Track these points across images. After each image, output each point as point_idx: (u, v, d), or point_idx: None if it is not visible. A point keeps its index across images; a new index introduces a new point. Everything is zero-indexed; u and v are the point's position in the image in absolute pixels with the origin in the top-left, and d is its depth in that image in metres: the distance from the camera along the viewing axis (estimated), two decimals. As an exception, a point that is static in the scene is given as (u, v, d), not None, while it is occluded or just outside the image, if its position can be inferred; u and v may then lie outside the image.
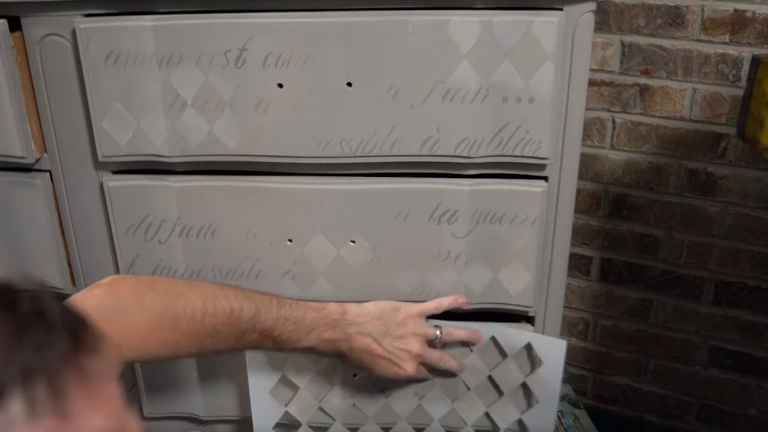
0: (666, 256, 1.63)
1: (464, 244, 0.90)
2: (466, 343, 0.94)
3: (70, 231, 0.96)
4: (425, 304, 0.91)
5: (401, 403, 0.99)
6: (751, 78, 0.86)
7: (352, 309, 0.87)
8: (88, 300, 0.72)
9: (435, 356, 0.91)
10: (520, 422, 0.98)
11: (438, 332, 0.90)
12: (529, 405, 0.97)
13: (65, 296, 0.78)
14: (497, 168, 0.88)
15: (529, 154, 0.85)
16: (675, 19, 1.46)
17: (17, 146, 0.88)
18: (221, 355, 0.84)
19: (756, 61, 0.85)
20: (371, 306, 0.89)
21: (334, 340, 0.85)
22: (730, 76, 1.45)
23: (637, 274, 1.67)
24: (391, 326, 0.88)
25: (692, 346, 1.66)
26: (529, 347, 0.93)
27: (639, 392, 1.76)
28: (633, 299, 1.69)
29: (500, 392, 0.97)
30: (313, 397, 0.99)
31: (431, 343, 0.91)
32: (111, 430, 0.38)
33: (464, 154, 0.85)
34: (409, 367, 0.88)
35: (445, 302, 0.91)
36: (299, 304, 0.84)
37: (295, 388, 0.98)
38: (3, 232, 0.95)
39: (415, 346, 0.88)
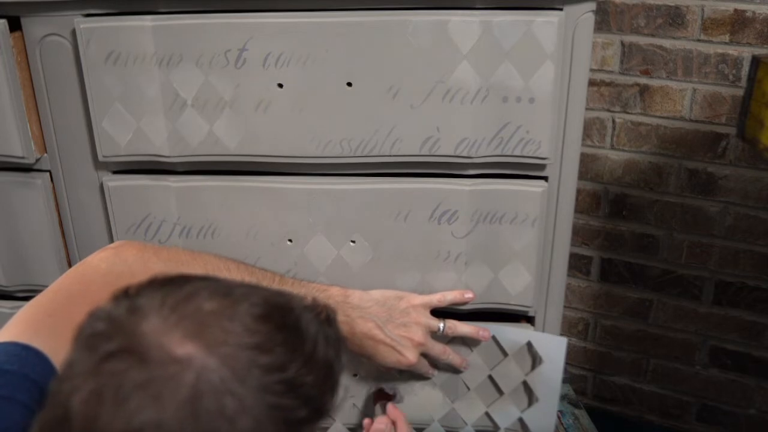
0: (666, 256, 1.62)
1: (464, 244, 0.90)
2: (467, 341, 0.94)
3: (70, 231, 0.96)
4: (430, 295, 0.91)
5: (401, 403, 0.99)
6: (751, 78, 0.86)
7: (355, 293, 0.87)
8: (96, 263, 0.74)
9: (437, 348, 0.91)
10: (520, 420, 0.98)
11: (441, 324, 0.90)
12: (530, 403, 0.97)
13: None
14: (497, 168, 0.88)
15: (529, 154, 0.85)
16: (675, 19, 1.46)
17: (17, 146, 0.88)
18: None
19: (756, 61, 0.85)
20: (375, 293, 0.89)
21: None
22: (730, 76, 1.45)
23: (637, 274, 1.67)
24: (394, 313, 0.87)
25: (692, 346, 1.66)
26: (529, 345, 0.93)
27: (639, 392, 1.76)
28: (633, 299, 1.69)
29: (500, 391, 0.97)
30: (313, 397, 0.99)
31: (434, 335, 0.90)
32: None
33: (464, 154, 0.85)
34: (411, 355, 0.88)
35: (449, 296, 0.91)
36: (301, 284, 0.85)
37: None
38: (3, 232, 0.95)
39: (418, 334, 0.88)
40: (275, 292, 0.54)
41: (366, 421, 0.93)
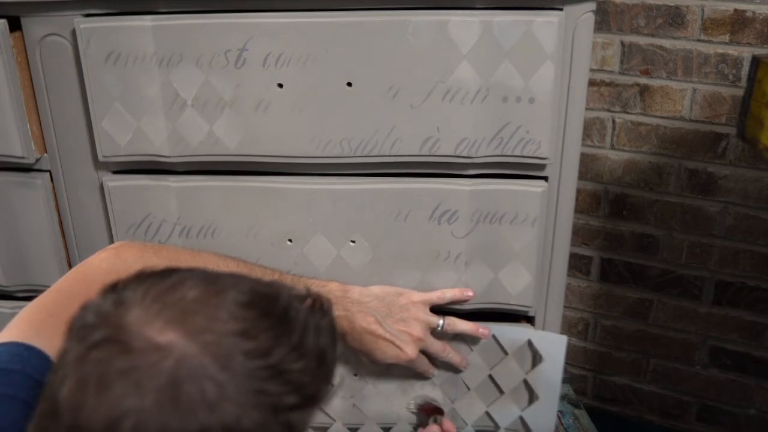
0: (666, 256, 1.62)
1: (464, 244, 0.90)
2: (467, 340, 0.94)
3: (70, 231, 0.96)
4: (429, 293, 0.91)
5: (401, 403, 0.99)
6: (751, 78, 0.86)
7: (355, 289, 0.88)
8: (97, 263, 0.75)
9: (437, 346, 0.91)
10: (521, 419, 0.98)
11: (440, 321, 0.90)
12: (530, 401, 0.97)
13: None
14: (497, 168, 0.88)
15: (529, 154, 0.85)
16: (675, 19, 1.46)
17: (17, 146, 0.88)
18: None
19: (756, 61, 0.85)
20: (375, 288, 0.89)
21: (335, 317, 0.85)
22: (730, 76, 1.45)
23: (637, 274, 1.67)
24: (393, 309, 0.88)
25: (692, 346, 1.66)
26: (529, 343, 0.94)
27: (639, 392, 1.76)
28: (633, 299, 1.69)
29: (501, 390, 0.97)
30: (313, 397, 0.99)
31: (434, 332, 0.91)
32: None
33: (464, 154, 0.85)
34: (410, 351, 0.88)
35: (449, 293, 0.91)
36: (300, 279, 0.85)
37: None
38: (3, 232, 0.95)
39: (417, 329, 0.88)
40: (263, 282, 0.54)
41: (420, 430, 0.95)
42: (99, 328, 0.48)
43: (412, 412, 0.99)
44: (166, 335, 0.47)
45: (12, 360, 0.60)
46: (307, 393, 0.51)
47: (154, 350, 0.46)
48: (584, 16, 0.83)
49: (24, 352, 0.61)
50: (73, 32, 0.84)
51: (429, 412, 0.96)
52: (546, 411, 0.96)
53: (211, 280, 0.51)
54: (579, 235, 1.69)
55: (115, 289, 0.51)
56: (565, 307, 1.39)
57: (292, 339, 0.51)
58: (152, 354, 0.46)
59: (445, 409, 0.98)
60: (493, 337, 0.94)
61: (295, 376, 0.50)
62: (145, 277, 0.51)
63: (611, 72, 1.56)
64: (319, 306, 0.56)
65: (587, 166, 1.63)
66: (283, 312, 0.52)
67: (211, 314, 0.48)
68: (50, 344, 0.61)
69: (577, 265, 1.72)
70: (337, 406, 0.99)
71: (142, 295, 0.49)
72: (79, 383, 0.46)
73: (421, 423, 0.99)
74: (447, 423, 0.93)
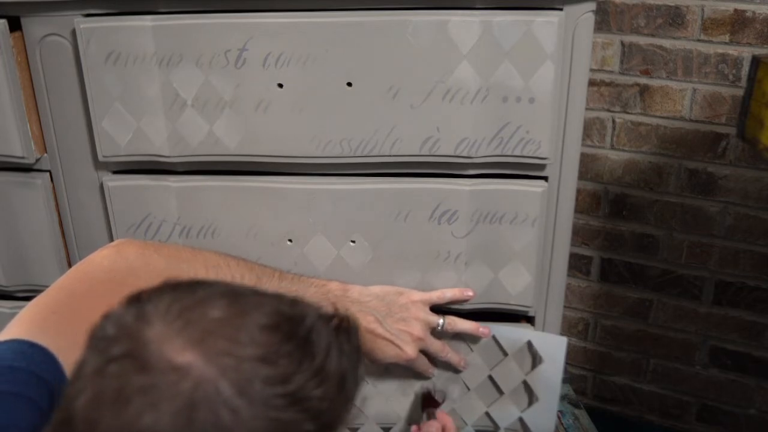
0: (666, 256, 1.62)
1: (464, 244, 0.90)
2: (467, 340, 0.94)
3: (70, 231, 0.96)
4: (429, 292, 0.91)
5: (401, 403, 0.99)
6: (751, 78, 0.86)
7: (355, 288, 0.87)
8: (99, 261, 0.74)
9: (437, 345, 0.91)
10: (520, 420, 0.98)
11: (440, 320, 0.90)
12: (530, 402, 0.97)
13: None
14: (497, 168, 0.88)
15: (529, 154, 0.85)
16: (675, 19, 1.46)
17: (17, 146, 0.88)
18: None
19: (756, 61, 0.85)
20: (375, 288, 0.89)
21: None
22: (730, 76, 1.45)
23: (637, 274, 1.67)
24: (393, 308, 0.88)
25: (692, 346, 1.66)
26: (529, 344, 0.94)
27: (639, 392, 1.76)
28: (633, 299, 1.69)
29: (500, 391, 0.97)
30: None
31: (434, 332, 0.91)
32: None
33: (464, 154, 0.85)
34: (410, 350, 0.88)
35: (449, 293, 0.91)
36: (301, 279, 0.85)
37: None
38: (3, 232, 0.95)
39: (417, 328, 0.88)
40: (289, 301, 0.53)
41: (413, 428, 0.92)
42: (119, 341, 0.47)
43: (418, 398, 0.98)
44: (185, 356, 0.46)
45: (16, 357, 0.59)
46: (325, 420, 0.50)
47: (172, 370, 0.45)
48: (584, 16, 0.83)
49: (28, 349, 0.60)
50: (73, 32, 0.84)
51: (424, 406, 0.96)
52: (546, 412, 0.96)
53: (235, 299, 0.50)
54: (579, 235, 1.69)
55: (138, 300, 0.50)
56: (565, 307, 1.39)
57: (314, 364, 0.49)
58: (170, 374, 0.45)
59: (443, 401, 0.97)
60: (493, 337, 0.94)
61: (314, 404, 0.48)
62: (169, 290, 0.50)
63: (611, 72, 1.56)
64: (345, 327, 0.54)
65: (587, 166, 1.63)
66: (306, 335, 0.50)
67: (232, 336, 0.47)
68: (54, 342, 0.61)
69: (577, 265, 1.72)
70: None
71: (164, 310, 0.48)
72: (96, 397, 0.45)
73: (417, 412, 0.98)
74: (442, 416, 0.92)
